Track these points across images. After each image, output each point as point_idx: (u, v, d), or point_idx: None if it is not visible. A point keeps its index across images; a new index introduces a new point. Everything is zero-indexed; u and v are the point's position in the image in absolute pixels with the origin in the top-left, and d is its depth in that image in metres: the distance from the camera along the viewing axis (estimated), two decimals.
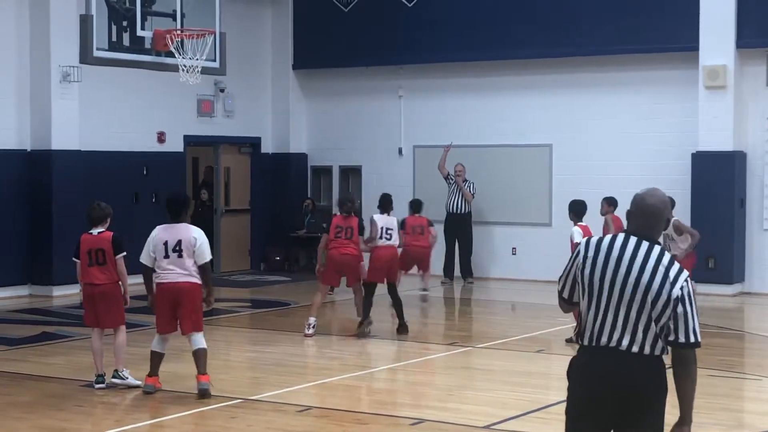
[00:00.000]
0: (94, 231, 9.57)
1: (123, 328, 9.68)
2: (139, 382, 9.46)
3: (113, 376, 9.53)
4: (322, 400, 9.31)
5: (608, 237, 4.75)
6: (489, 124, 18.53)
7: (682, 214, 15.53)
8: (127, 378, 9.53)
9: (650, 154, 17.15)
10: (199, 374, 9.19)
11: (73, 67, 15.59)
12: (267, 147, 20.24)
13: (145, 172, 17.78)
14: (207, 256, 9.21)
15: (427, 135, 19.04)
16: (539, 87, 18.16)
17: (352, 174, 19.97)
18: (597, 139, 17.64)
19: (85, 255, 9.52)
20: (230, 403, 8.98)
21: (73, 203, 15.91)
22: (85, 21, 12.45)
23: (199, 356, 9.19)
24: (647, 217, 4.72)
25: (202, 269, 9.20)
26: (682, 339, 4.62)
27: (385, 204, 12.94)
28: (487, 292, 17.32)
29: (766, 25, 16.23)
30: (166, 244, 9.11)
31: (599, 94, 17.69)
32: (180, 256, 9.09)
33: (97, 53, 12.58)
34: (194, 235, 9.17)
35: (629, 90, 17.46)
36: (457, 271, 17.91)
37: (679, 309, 4.58)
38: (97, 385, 9.51)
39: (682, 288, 4.60)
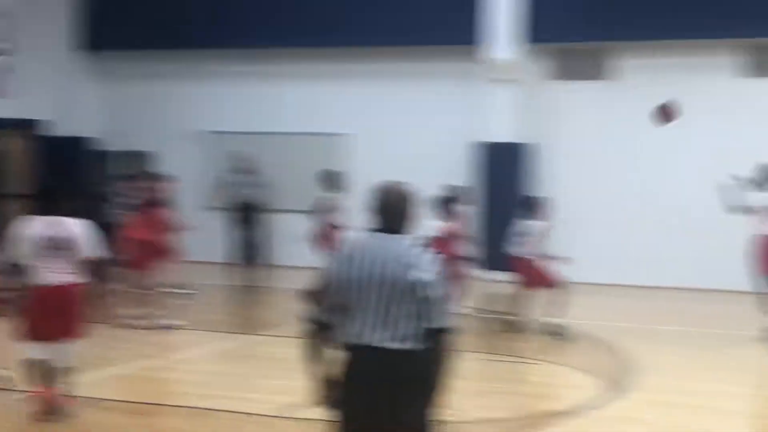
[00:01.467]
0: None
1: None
2: None
3: None
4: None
5: (356, 237, 4.85)
6: (279, 111, 18.54)
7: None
8: None
9: (434, 145, 17.45)
10: (47, 387, 8.03)
11: None
12: (49, 130, 19.29)
13: None
14: (98, 249, 8.11)
15: (221, 121, 18.90)
16: (327, 76, 18.26)
17: (143, 159, 19.52)
18: (390, 130, 17.88)
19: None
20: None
21: None
22: None
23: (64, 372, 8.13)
24: (385, 211, 4.83)
25: (91, 264, 8.05)
26: (433, 324, 4.69)
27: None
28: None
29: (555, 20, 16.69)
30: (47, 239, 7.87)
31: (390, 85, 17.92)
32: (65, 253, 7.92)
33: None
34: (80, 228, 8.04)
35: (413, 82, 17.75)
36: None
37: (429, 293, 4.68)
38: None
39: (428, 272, 4.71)
